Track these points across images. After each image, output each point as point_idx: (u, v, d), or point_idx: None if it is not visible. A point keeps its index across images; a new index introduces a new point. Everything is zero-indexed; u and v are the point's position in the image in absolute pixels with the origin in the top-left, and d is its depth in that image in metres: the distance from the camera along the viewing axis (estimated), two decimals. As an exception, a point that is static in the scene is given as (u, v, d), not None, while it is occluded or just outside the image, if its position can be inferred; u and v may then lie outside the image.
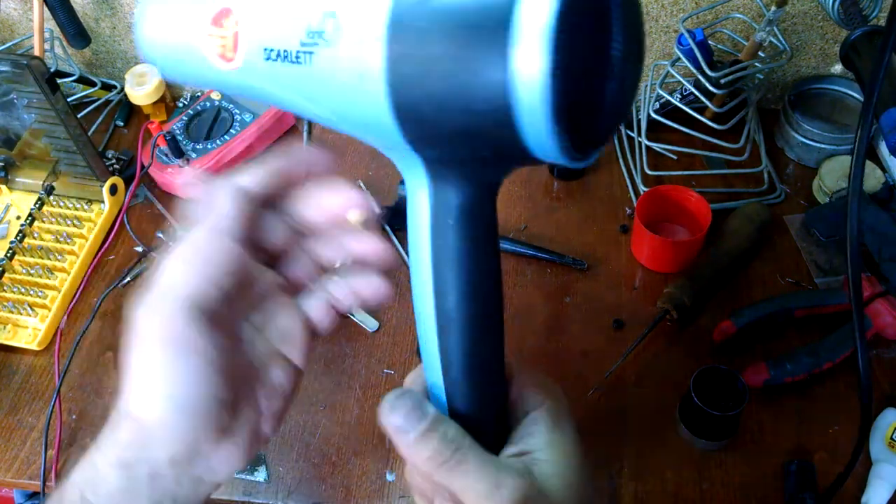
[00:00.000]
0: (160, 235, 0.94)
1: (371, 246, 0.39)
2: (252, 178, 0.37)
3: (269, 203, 0.38)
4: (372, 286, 0.39)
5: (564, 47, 0.25)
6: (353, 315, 0.86)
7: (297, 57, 0.31)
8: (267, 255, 0.38)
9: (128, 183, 0.98)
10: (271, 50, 0.32)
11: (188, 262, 0.34)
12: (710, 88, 0.90)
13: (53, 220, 0.95)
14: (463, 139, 0.30)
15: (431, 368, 0.37)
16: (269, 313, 0.38)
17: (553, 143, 0.27)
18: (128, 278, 0.91)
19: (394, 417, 0.36)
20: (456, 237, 0.34)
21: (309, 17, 0.31)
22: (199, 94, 1.12)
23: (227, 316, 0.36)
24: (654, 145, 0.97)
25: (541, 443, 0.37)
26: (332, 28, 0.30)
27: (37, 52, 0.99)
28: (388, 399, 0.37)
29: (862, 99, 0.98)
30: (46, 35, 1.02)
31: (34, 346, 0.85)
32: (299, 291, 0.40)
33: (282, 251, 0.39)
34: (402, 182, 0.37)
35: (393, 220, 0.94)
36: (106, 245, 0.94)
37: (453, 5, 0.27)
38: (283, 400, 0.38)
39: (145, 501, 0.34)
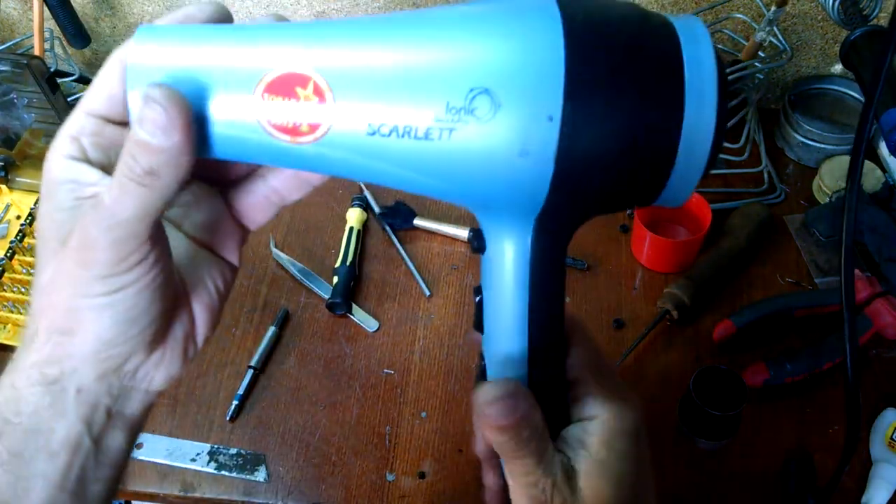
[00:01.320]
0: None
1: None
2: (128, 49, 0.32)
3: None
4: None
5: (722, 123, 0.30)
6: (353, 315, 0.86)
7: (426, 134, 0.29)
8: None
9: (128, 183, 0.98)
10: (381, 125, 0.29)
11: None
12: (710, 88, 0.90)
13: (53, 219, 0.94)
14: (605, 196, 0.32)
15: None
16: (186, 206, 0.36)
17: (692, 186, 0.31)
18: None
19: (488, 409, 0.34)
20: (551, 271, 0.36)
21: (448, 94, 0.28)
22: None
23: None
24: (654, 145, 0.97)
25: (586, 453, 0.36)
26: (486, 106, 0.28)
27: (37, 52, 0.99)
28: (494, 388, 0.35)
29: (862, 99, 0.98)
30: (46, 35, 1.02)
31: (34, 346, 0.85)
32: (229, 181, 0.37)
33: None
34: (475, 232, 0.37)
35: (393, 220, 0.94)
36: (106, 245, 0.94)
37: (630, 82, 0.29)
38: (217, 298, 0.37)
39: (73, 416, 0.33)
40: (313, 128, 0.29)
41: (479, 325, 0.38)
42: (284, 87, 0.29)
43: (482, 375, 0.38)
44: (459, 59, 0.29)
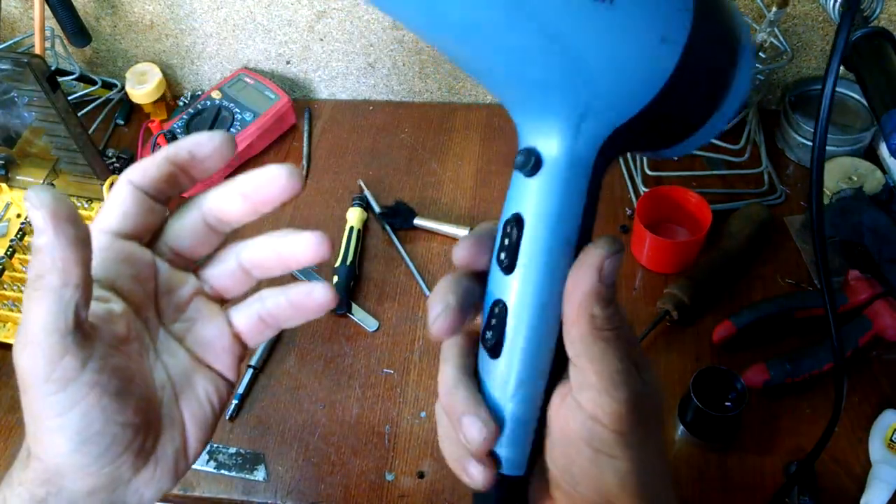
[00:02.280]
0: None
1: (313, 287, 0.37)
2: (138, 171, 0.34)
3: (164, 198, 0.36)
4: (311, 296, 0.37)
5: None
6: (352, 315, 0.86)
7: None
8: (188, 260, 0.38)
9: (128, 181, 0.98)
10: None
11: (60, 271, 0.30)
12: (711, 89, 0.90)
13: (53, 218, 0.94)
14: (683, 112, 0.34)
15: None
16: (191, 322, 0.37)
17: (721, 128, 0.35)
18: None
19: (609, 262, 0.33)
20: (594, 203, 0.35)
21: None
22: (199, 92, 1.12)
23: (129, 329, 0.34)
24: (655, 146, 0.97)
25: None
26: None
27: (37, 51, 0.99)
28: (611, 242, 0.34)
29: (863, 100, 0.98)
30: (47, 33, 1.02)
31: (34, 345, 0.85)
32: (228, 300, 0.38)
33: (202, 255, 0.38)
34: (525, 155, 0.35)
35: (393, 220, 0.94)
36: (106, 244, 0.94)
37: (724, 16, 0.33)
38: (211, 413, 0.37)
39: None
40: None
41: (509, 254, 0.35)
42: None
43: (501, 316, 0.35)
44: None
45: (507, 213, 0.35)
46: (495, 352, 0.35)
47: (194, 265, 0.38)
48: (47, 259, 0.29)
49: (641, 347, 0.39)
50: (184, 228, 0.37)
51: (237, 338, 0.38)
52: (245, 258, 0.37)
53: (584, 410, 0.34)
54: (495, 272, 0.36)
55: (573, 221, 0.34)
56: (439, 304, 0.35)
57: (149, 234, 0.36)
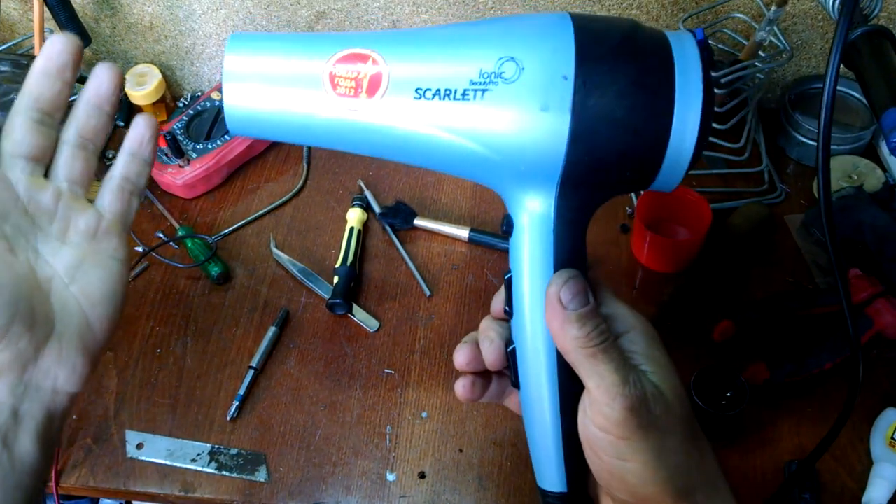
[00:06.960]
0: (160, 235, 0.94)
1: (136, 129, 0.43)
2: None
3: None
4: (136, 134, 0.43)
5: (707, 115, 0.36)
6: (353, 315, 0.86)
7: (463, 94, 0.35)
8: (41, 162, 0.40)
9: (128, 183, 0.98)
10: (426, 90, 0.36)
11: None
12: (711, 88, 0.90)
13: (54, 220, 0.94)
14: (614, 164, 0.37)
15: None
16: (66, 220, 0.40)
17: (683, 171, 0.37)
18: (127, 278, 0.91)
19: (563, 292, 0.37)
20: (572, 248, 0.40)
21: (481, 62, 0.35)
22: (199, 93, 1.12)
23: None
24: (655, 145, 0.97)
25: (643, 357, 0.39)
26: (512, 70, 0.35)
27: (37, 53, 0.99)
28: (560, 274, 0.38)
29: (862, 98, 0.98)
30: (46, 35, 1.02)
31: (34, 347, 0.85)
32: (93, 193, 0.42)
33: (49, 152, 0.41)
34: (506, 219, 0.42)
35: (394, 220, 0.94)
36: (106, 245, 0.94)
37: (628, 60, 0.35)
38: (110, 291, 0.40)
39: None
40: (371, 90, 0.36)
41: (508, 304, 0.41)
42: (353, 61, 0.36)
43: (513, 356, 0.41)
44: (490, 36, 0.36)
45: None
46: (517, 385, 0.42)
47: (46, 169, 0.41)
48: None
49: (661, 347, 0.41)
50: (16, 133, 0.39)
51: (113, 216, 0.42)
52: (69, 135, 0.41)
53: (595, 424, 0.37)
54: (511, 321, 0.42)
55: (545, 269, 0.39)
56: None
57: None
